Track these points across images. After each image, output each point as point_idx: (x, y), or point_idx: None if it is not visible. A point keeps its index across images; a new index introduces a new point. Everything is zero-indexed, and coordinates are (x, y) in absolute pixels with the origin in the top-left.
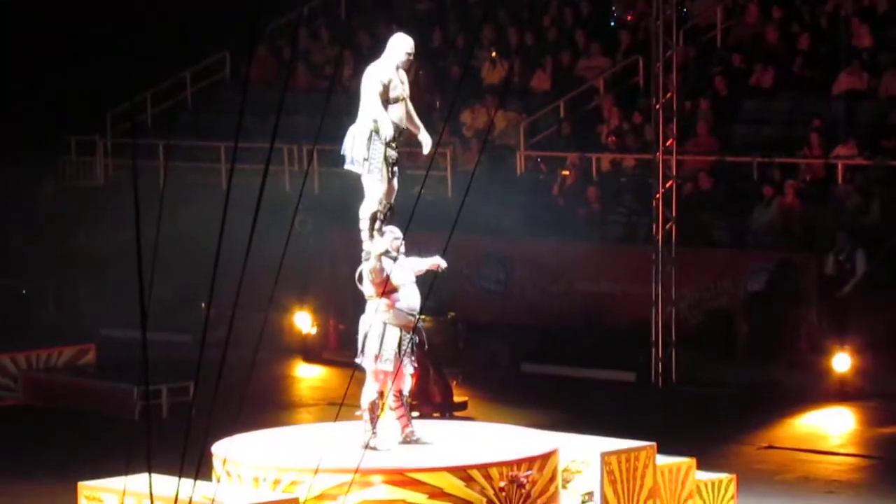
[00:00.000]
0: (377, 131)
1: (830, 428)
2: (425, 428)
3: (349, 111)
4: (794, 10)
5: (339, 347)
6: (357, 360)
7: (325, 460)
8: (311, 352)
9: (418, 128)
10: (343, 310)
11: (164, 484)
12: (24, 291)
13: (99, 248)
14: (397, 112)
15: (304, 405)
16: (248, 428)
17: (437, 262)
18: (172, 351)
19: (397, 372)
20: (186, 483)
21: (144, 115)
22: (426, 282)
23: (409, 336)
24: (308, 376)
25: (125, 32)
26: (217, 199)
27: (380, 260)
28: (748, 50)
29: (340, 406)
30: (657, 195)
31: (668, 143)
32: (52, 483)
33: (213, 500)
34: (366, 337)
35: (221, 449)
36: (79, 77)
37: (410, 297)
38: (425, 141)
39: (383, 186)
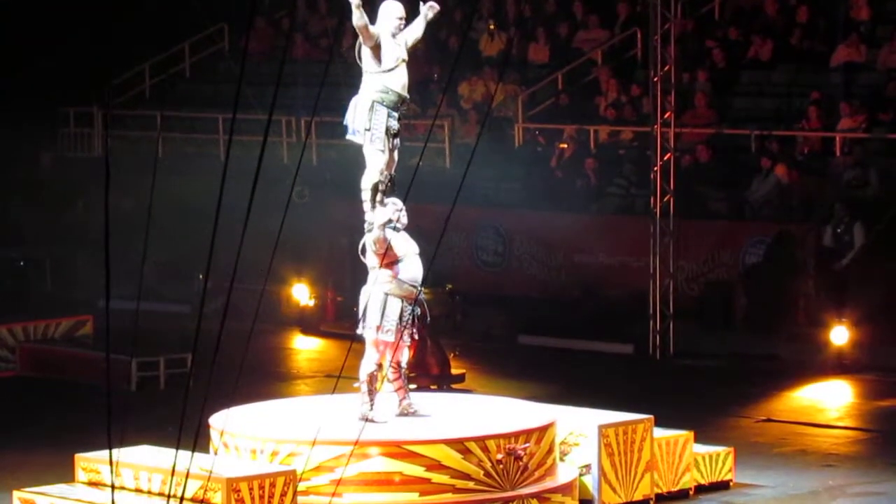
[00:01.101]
0: (380, 101)
1: (828, 401)
2: (423, 400)
3: (347, 82)
4: None
5: (336, 319)
6: (358, 331)
7: (322, 432)
8: (309, 323)
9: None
10: (341, 281)
11: (162, 456)
12: (21, 263)
13: (97, 219)
14: (399, 79)
15: (302, 377)
16: (245, 400)
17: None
18: (170, 322)
19: (397, 343)
20: (184, 455)
21: (142, 86)
22: (426, 254)
23: (410, 307)
24: (306, 348)
25: (124, 3)
26: (215, 171)
27: (383, 230)
28: (746, 22)
29: (338, 378)
30: (655, 167)
31: (665, 116)
32: (49, 455)
33: (211, 471)
34: (367, 307)
35: (219, 421)
36: (77, 48)
37: (413, 269)
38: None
39: (385, 157)
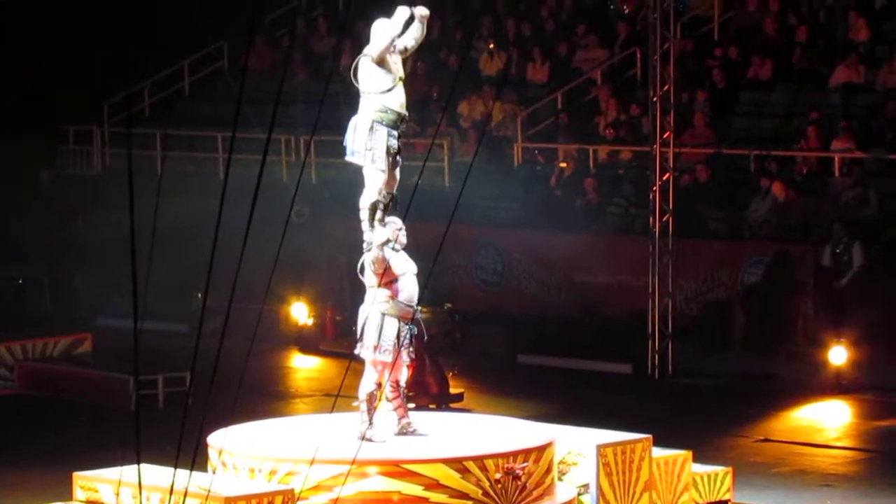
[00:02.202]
0: (380, 121)
1: (827, 421)
2: (421, 419)
3: (347, 101)
4: (792, 2)
5: (335, 338)
6: (356, 351)
7: (320, 451)
8: (308, 342)
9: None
10: (340, 300)
11: (160, 474)
12: (20, 280)
13: (96, 236)
14: (397, 98)
15: (301, 396)
16: (244, 418)
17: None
18: (169, 340)
19: (395, 362)
20: (182, 473)
21: (142, 105)
22: (424, 273)
23: (408, 327)
24: (304, 367)
25: (124, 22)
26: (214, 189)
27: (381, 250)
28: (746, 42)
29: (336, 397)
30: (654, 187)
31: (665, 136)
32: (47, 473)
33: (209, 490)
34: (364, 327)
35: (217, 439)
36: (77, 67)
37: (410, 288)
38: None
39: (384, 176)
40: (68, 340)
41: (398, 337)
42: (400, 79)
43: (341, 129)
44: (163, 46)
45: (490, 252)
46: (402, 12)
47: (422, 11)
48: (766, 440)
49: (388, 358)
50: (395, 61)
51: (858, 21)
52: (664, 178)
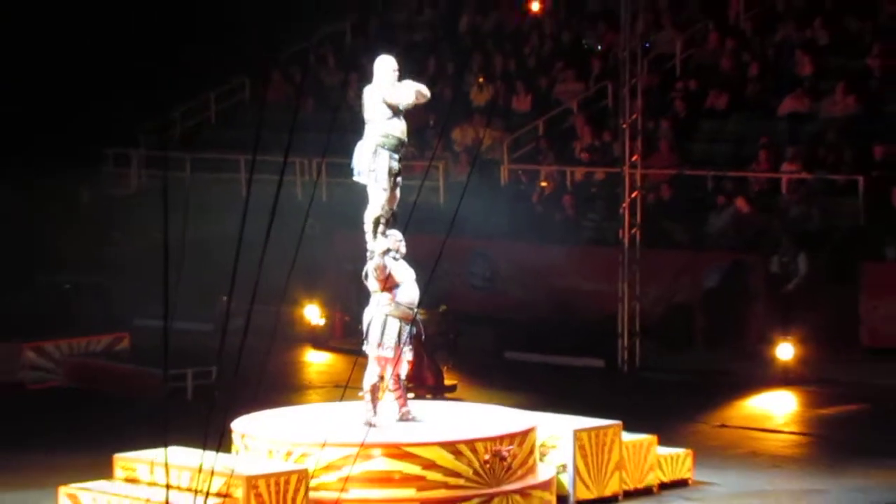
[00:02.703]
0: (382, 145)
1: (775, 409)
2: (419, 408)
3: (353, 128)
4: (746, 41)
5: (344, 336)
6: (363, 348)
7: (331, 436)
8: (319, 340)
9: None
10: (347, 303)
11: (190, 456)
12: (66, 286)
13: (132, 248)
14: (398, 125)
15: (313, 387)
16: (263, 407)
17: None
18: (197, 339)
19: (397, 358)
20: (209, 455)
21: (173, 131)
22: (422, 279)
23: (408, 327)
24: (316, 362)
25: (159, 60)
26: (237, 206)
27: (383, 258)
28: (704, 76)
29: (345, 388)
30: (624, 204)
31: (633, 158)
32: (91, 456)
33: (233, 470)
34: (369, 326)
35: (240, 425)
36: (117, 98)
37: (410, 292)
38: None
39: (386, 194)
40: (108, 339)
41: (399, 336)
42: (400, 110)
43: (348, 153)
44: (192, 81)
45: (481, 261)
46: (415, 88)
47: (424, 92)
48: (723, 426)
49: (391, 354)
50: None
51: (804, 58)
52: (633, 195)
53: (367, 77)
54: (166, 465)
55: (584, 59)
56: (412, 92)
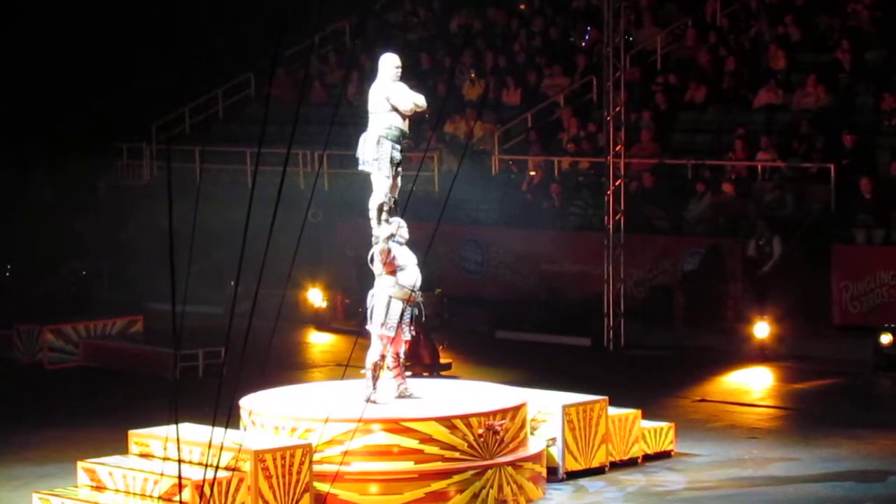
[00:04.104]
0: (386, 136)
1: (752, 384)
2: (417, 385)
3: (353, 122)
4: (723, 36)
5: (345, 318)
6: (367, 327)
7: (333, 412)
8: (322, 321)
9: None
10: (348, 286)
11: (200, 432)
12: (83, 272)
13: (145, 236)
14: (401, 118)
15: (316, 366)
16: (269, 385)
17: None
18: (207, 321)
19: (398, 337)
20: (219, 431)
21: (183, 126)
22: (420, 263)
23: (409, 308)
24: (319, 342)
25: (168, 59)
26: (244, 196)
27: (387, 243)
28: (684, 71)
29: (346, 367)
30: (608, 191)
31: (617, 149)
32: (107, 431)
33: (241, 445)
34: (373, 307)
35: (248, 402)
36: (131, 95)
37: (412, 276)
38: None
39: (389, 182)
40: (123, 321)
41: (402, 316)
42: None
43: (349, 145)
44: (200, 78)
45: (473, 246)
46: (413, 100)
47: (420, 104)
48: (703, 400)
49: (392, 333)
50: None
51: (778, 52)
52: (616, 183)
53: (366, 74)
54: (178, 440)
55: (571, 54)
56: (410, 103)
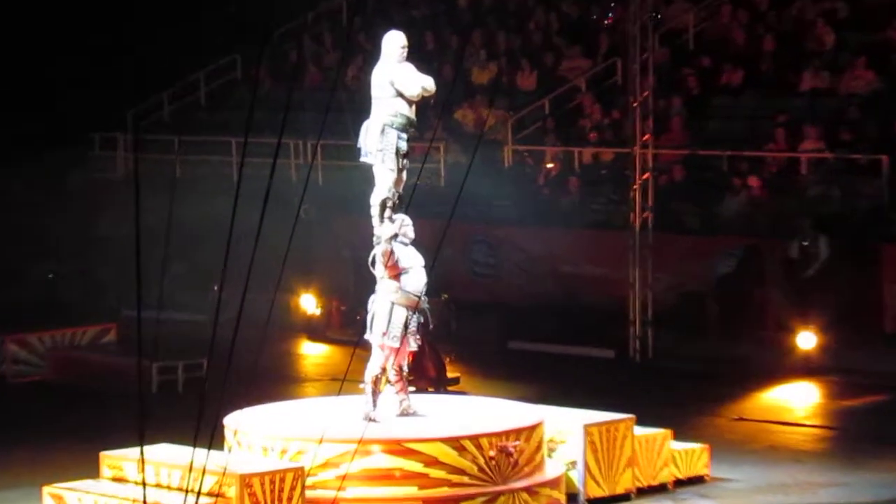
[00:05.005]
0: (391, 124)
1: (796, 401)
2: (421, 401)
3: (351, 108)
4: (762, 13)
5: (341, 326)
6: (366, 337)
7: (328, 431)
8: (316, 330)
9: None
10: (345, 292)
11: (180, 453)
12: (51, 275)
13: (120, 235)
14: (407, 105)
15: (309, 380)
16: (257, 401)
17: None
18: (188, 330)
19: (401, 348)
20: (200, 452)
21: (161, 113)
22: (426, 265)
23: (414, 315)
24: (312, 353)
25: (144, 37)
26: (229, 190)
27: (390, 243)
28: (718, 51)
29: (342, 381)
30: (634, 186)
31: (644, 138)
32: (76, 452)
33: (225, 468)
34: (374, 315)
35: (233, 420)
36: (103, 80)
37: (418, 280)
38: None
39: (394, 175)
40: (95, 330)
41: (406, 324)
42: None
43: (346, 135)
44: (181, 59)
45: (483, 246)
46: (420, 84)
47: (429, 87)
48: (740, 419)
49: (396, 343)
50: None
51: (823, 30)
52: (643, 177)
53: (366, 55)
54: (153, 462)
55: (592, 34)
56: (418, 87)
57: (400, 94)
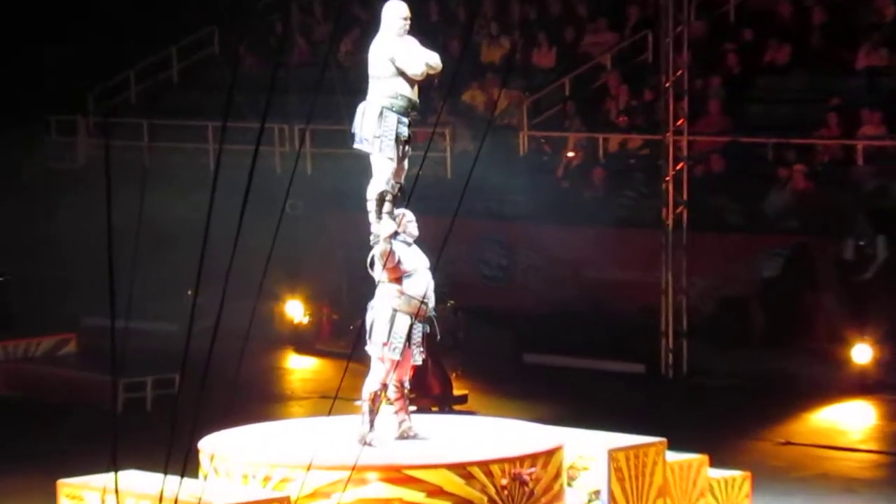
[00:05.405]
0: (390, 107)
1: (850, 422)
2: (423, 422)
3: (344, 88)
4: None
5: (332, 337)
6: (366, 348)
7: (318, 456)
8: (303, 342)
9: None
10: (337, 298)
11: (149, 481)
12: (2, 277)
13: (80, 232)
14: (409, 86)
15: (296, 398)
16: (236, 422)
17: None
18: (157, 341)
19: (404, 361)
20: (172, 480)
21: (128, 94)
22: (432, 267)
23: (419, 324)
24: (300, 368)
25: (108, 4)
26: (205, 181)
27: (389, 242)
28: (762, 24)
29: (334, 399)
30: (667, 177)
31: (678, 123)
32: (31, 479)
33: (200, 498)
34: (373, 323)
35: (209, 444)
36: (59, 52)
37: (422, 284)
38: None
39: (393, 165)
40: (52, 340)
41: (409, 334)
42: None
43: (338, 119)
44: (150, 31)
45: (494, 246)
46: (424, 60)
47: (434, 64)
48: (787, 443)
49: (398, 356)
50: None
51: (882, 0)
52: (677, 167)
53: (361, 27)
54: (118, 492)
55: (619, 4)
56: (421, 65)
57: (401, 73)
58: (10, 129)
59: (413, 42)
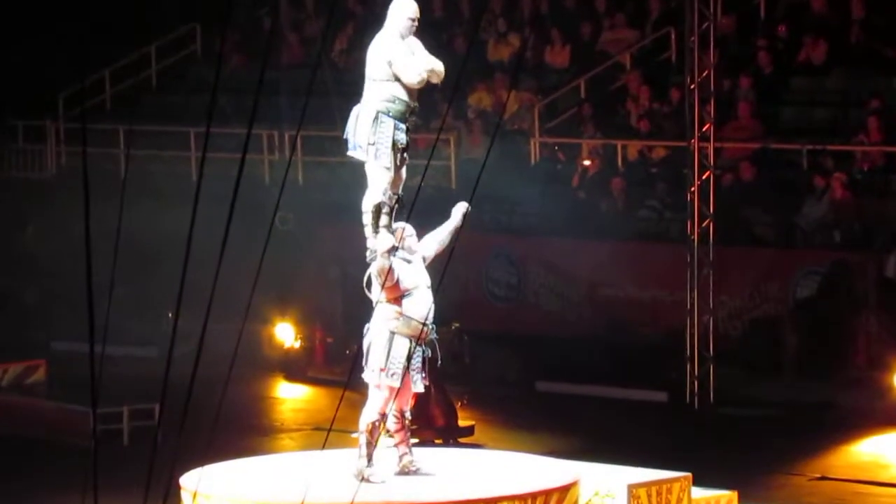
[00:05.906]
0: (386, 111)
1: (893, 456)
2: (426, 456)
3: (338, 91)
4: None
5: (326, 363)
6: (362, 375)
7: (311, 494)
8: (295, 368)
9: None
10: (331, 320)
11: None
12: None
13: (49, 248)
14: (407, 89)
15: (287, 430)
16: (221, 457)
17: (461, 208)
18: (135, 367)
19: (404, 388)
20: None
21: (103, 96)
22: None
23: (420, 348)
24: (291, 397)
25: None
26: (187, 192)
27: (387, 258)
28: (797, 19)
29: (328, 431)
30: (692, 188)
31: (704, 128)
32: None
33: None
34: (370, 347)
35: (191, 481)
36: (27, 53)
37: (423, 304)
38: None
39: (390, 175)
40: (19, 367)
41: (409, 359)
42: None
43: (331, 123)
44: (127, 28)
45: (503, 263)
46: (426, 67)
47: (437, 70)
48: (823, 478)
49: (397, 383)
50: (414, 48)
51: None
52: (703, 176)
53: (357, 24)
54: None
55: None
56: (418, 73)
57: (397, 78)
58: None
59: (417, 45)
